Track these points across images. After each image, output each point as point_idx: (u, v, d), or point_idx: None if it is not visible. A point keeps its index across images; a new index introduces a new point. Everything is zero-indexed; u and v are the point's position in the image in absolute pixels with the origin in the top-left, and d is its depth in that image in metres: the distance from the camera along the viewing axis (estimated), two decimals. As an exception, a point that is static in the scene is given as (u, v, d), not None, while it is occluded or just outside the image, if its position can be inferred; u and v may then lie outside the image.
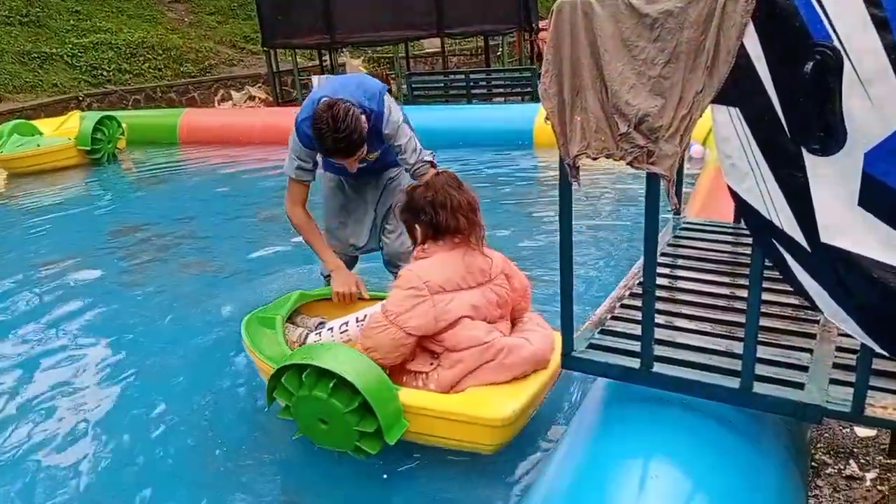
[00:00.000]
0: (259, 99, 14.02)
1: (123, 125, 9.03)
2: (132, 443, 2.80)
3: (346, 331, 2.82)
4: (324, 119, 2.79)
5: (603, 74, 1.72)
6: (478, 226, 2.54)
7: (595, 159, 1.77)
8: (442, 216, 2.49)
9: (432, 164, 3.10)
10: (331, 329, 2.88)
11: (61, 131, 9.00)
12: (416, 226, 2.58)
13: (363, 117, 2.92)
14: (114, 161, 8.89)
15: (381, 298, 2.83)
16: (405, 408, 2.36)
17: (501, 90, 10.53)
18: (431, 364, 2.48)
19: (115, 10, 17.52)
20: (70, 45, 15.24)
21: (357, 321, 2.80)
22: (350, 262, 3.55)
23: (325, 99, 2.89)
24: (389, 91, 3.19)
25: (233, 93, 14.51)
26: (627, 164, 1.73)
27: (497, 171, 7.24)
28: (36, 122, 9.33)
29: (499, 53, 13.48)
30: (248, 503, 2.42)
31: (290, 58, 14.05)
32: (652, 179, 1.75)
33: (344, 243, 3.52)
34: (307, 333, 2.98)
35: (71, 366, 3.50)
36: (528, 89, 9.94)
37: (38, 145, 8.42)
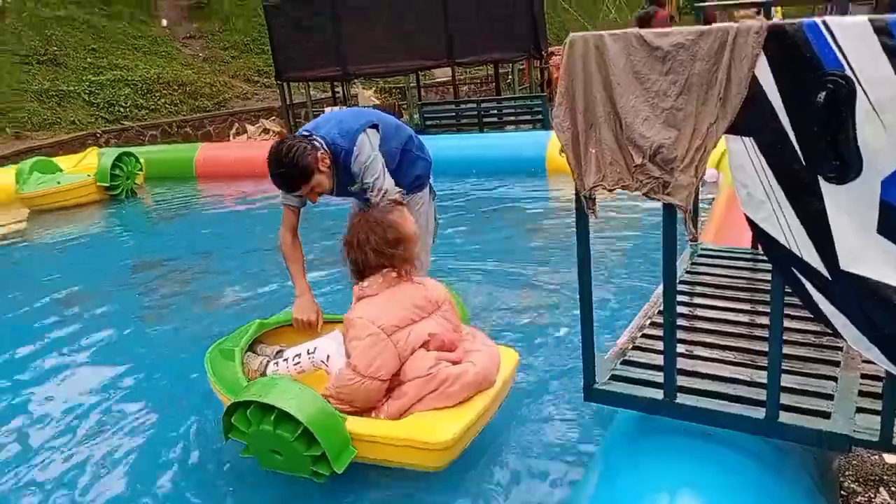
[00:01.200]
0: (273, 132, 14.16)
1: (141, 161, 9.16)
2: (138, 474, 2.80)
3: (299, 363, 2.87)
4: (271, 154, 3.09)
5: (616, 107, 1.73)
6: (406, 258, 2.64)
7: (611, 191, 1.78)
8: (371, 254, 2.62)
9: (398, 203, 3.17)
10: (286, 360, 2.92)
11: (80, 168, 9.13)
12: (351, 264, 2.69)
13: (320, 154, 3.09)
14: (132, 196, 9.00)
15: (338, 322, 2.94)
16: (354, 435, 2.43)
17: (513, 118, 10.59)
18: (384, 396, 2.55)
19: (130, 47, 17.85)
20: (87, 83, 15.52)
21: (308, 353, 2.83)
22: None
23: (283, 136, 3.07)
24: (375, 127, 3.29)
25: (247, 126, 14.67)
26: (643, 195, 1.74)
27: (510, 198, 7.26)
28: (55, 160, 9.48)
29: (509, 81, 13.58)
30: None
31: (303, 90, 14.22)
32: (669, 209, 1.75)
33: None
34: (267, 362, 3.01)
35: (87, 397, 3.53)
36: (539, 116, 9.99)
37: (59, 182, 8.56)
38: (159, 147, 11.25)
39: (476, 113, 10.55)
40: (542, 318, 3.95)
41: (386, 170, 3.25)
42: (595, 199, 1.81)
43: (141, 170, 9.12)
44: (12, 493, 2.77)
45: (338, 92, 14.34)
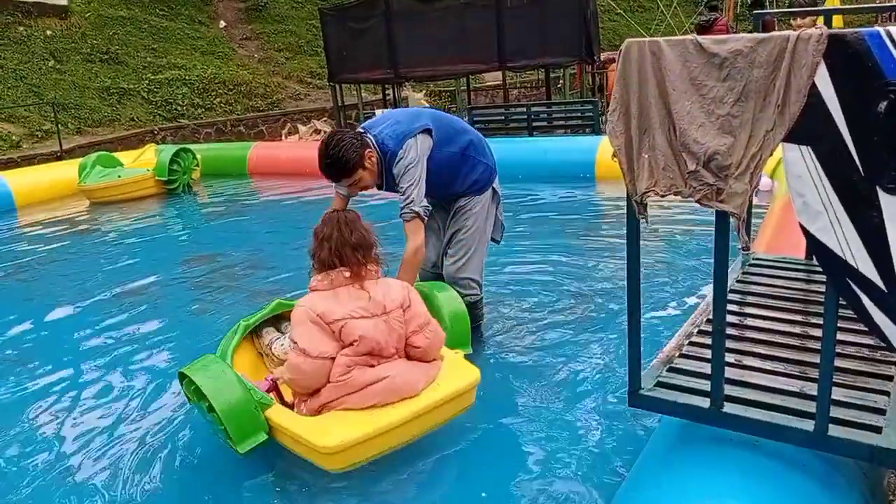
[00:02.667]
0: (324, 132, 14.37)
1: (198, 157, 9.41)
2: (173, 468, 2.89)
3: (283, 344, 3.13)
4: (322, 143, 3.20)
5: (671, 113, 1.73)
6: (365, 262, 2.69)
7: (663, 196, 1.78)
8: (326, 250, 2.70)
9: (419, 216, 3.28)
10: (287, 338, 3.07)
11: (138, 163, 9.43)
12: (312, 256, 2.79)
13: (367, 152, 3.22)
14: (188, 191, 9.25)
15: None
16: (271, 423, 2.59)
17: (563, 123, 10.56)
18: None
19: (189, 47, 18.29)
20: (147, 81, 15.97)
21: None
22: (430, 279, 3.69)
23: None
24: (428, 132, 3.34)
25: (299, 126, 14.91)
26: (696, 201, 1.74)
27: (559, 203, 7.25)
28: (116, 155, 9.80)
29: (559, 86, 13.54)
30: None
31: (354, 92, 14.41)
32: (721, 216, 1.74)
33: (426, 261, 3.64)
34: (274, 339, 3.26)
35: (138, 382, 3.67)
36: (590, 122, 9.93)
37: (119, 176, 8.86)
38: (214, 145, 11.53)
39: (525, 117, 10.54)
40: (585, 324, 3.94)
41: (423, 180, 3.30)
42: (646, 204, 1.81)
43: (197, 165, 9.38)
44: (84, 464, 2.89)
45: (388, 94, 14.48)
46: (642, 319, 1.97)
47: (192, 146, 9.99)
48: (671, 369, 2.14)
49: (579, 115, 10.26)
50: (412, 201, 3.25)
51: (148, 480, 2.77)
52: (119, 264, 6.18)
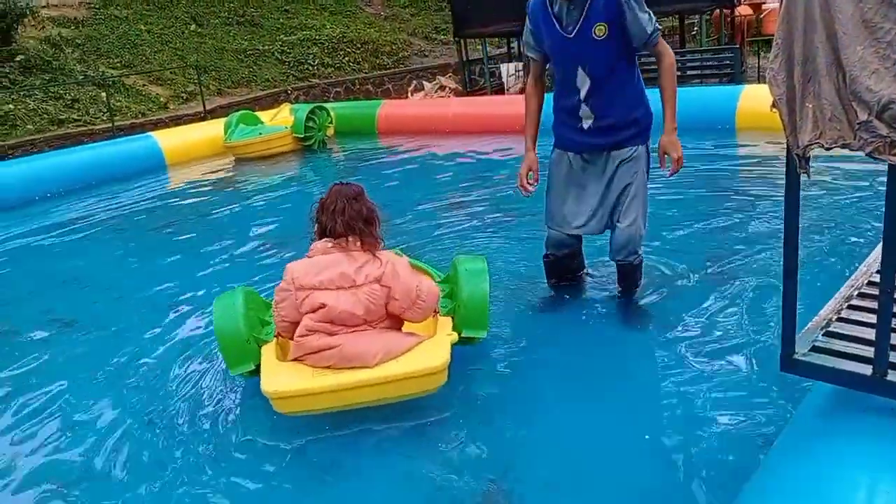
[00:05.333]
0: (449, 88, 14.40)
1: (332, 114, 9.74)
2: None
3: None
4: None
5: (840, 59, 1.60)
6: (361, 234, 2.80)
7: (828, 149, 1.66)
8: (323, 218, 2.85)
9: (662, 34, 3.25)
10: None
11: (276, 121, 9.86)
12: (318, 226, 2.91)
13: None
14: (323, 148, 9.61)
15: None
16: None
17: (697, 72, 10.04)
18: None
19: (318, 7, 18.76)
20: (280, 43, 16.57)
21: None
22: (567, 242, 3.57)
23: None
24: None
25: (424, 83, 15.02)
26: (867, 154, 1.61)
27: (697, 156, 6.94)
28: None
29: (694, 33, 12.85)
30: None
31: (479, 46, 14.30)
32: (894, 171, 1.61)
33: (560, 220, 3.50)
34: None
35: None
36: (729, 70, 9.39)
37: (261, 133, 9.34)
38: (344, 103, 11.84)
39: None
40: (729, 287, 3.77)
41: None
42: (808, 158, 1.70)
43: (331, 122, 9.72)
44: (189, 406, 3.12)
45: (513, 47, 14.28)
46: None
47: (326, 104, 10.33)
48: (828, 334, 2.02)
49: (716, 63, 9.72)
50: (654, 20, 3.18)
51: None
52: (261, 217, 6.54)
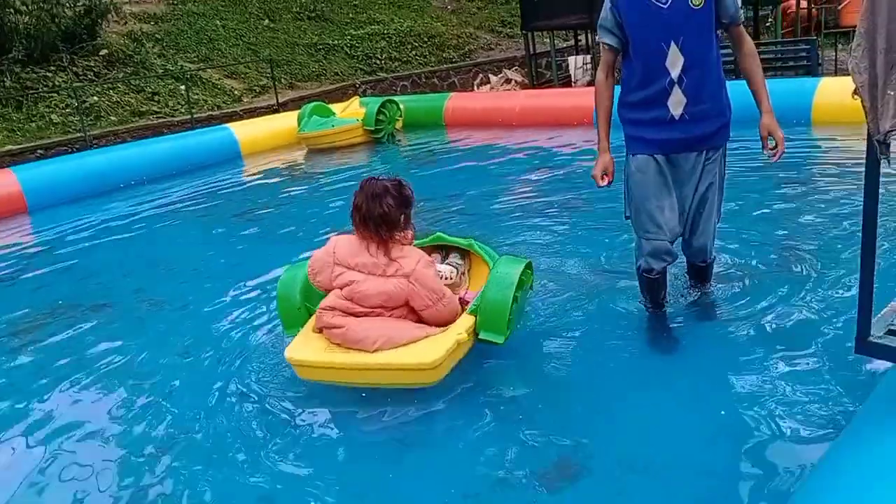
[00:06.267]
0: (515, 81, 14.45)
1: (402, 107, 9.94)
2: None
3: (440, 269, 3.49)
4: None
5: (924, 47, 1.64)
6: (371, 232, 2.99)
7: (910, 136, 1.70)
8: (352, 209, 3.06)
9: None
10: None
11: (346, 114, 10.11)
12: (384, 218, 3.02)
13: None
14: (392, 140, 9.83)
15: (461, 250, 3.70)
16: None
17: (771, 64, 9.84)
18: None
19: (387, 2, 19.00)
20: (349, 37, 16.86)
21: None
22: (673, 252, 3.30)
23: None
24: None
25: (490, 76, 15.09)
26: (948, 141, 1.65)
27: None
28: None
29: (768, 24, 12.56)
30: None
31: (546, 40, 14.29)
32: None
33: (665, 228, 3.21)
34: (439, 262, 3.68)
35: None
36: (806, 62, 9.18)
37: (333, 125, 9.63)
38: (412, 96, 12.02)
39: (732, 59, 9.93)
40: (805, 277, 3.78)
41: None
42: (889, 144, 1.74)
43: (401, 116, 9.91)
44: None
45: (580, 40, 14.23)
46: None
47: (395, 98, 10.54)
48: (904, 318, 2.04)
49: (792, 55, 9.51)
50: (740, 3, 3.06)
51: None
52: (332, 207, 6.75)
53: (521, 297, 3.24)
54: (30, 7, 12.77)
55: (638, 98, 3.15)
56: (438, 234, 3.85)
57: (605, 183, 3.23)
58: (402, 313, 3.06)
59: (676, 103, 3.06)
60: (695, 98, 3.05)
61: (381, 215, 2.96)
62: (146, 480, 2.70)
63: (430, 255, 3.79)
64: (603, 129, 3.23)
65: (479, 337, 3.08)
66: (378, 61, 16.43)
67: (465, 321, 3.08)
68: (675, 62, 3.00)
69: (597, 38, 3.35)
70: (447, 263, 3.67)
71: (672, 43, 2.98)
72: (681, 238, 3.33)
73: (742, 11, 3.10)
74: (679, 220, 3.22)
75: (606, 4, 3.13)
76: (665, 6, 2.96)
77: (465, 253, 3.78)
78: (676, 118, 3.07)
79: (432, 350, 2.89)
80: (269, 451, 2.80)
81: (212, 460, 2.78)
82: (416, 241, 3.85)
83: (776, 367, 2.96)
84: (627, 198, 3.32)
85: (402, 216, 3.03)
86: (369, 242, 3.03)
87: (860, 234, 1.85)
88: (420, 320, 3.08)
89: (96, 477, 2.75)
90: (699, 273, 3.62)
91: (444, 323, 3.07)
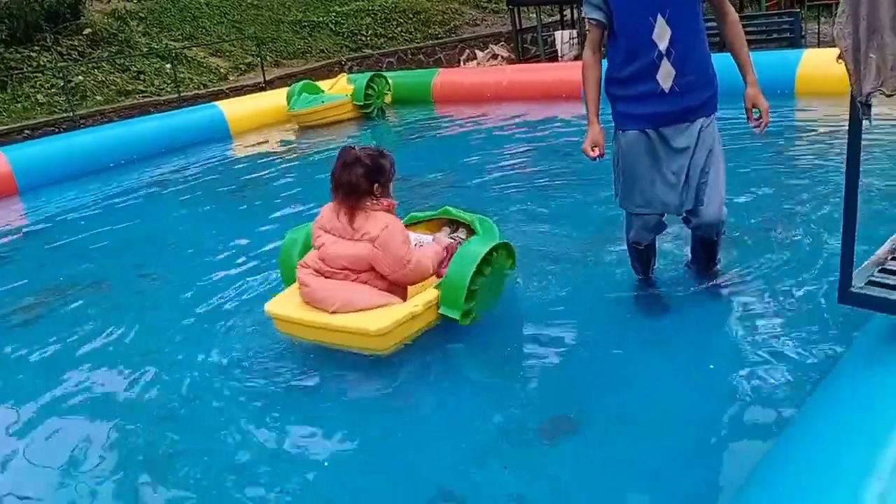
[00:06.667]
0: (501, 57, 14.46)
1: (390, 82, 9.99)
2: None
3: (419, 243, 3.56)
4: None
5: (902, 12, 1.75)
6: (341, 199, 3.18)
7: (889, 96, 1.81)
8: (331, 183, 3.24)
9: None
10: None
11: (335, 90, 10.13)
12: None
13: None
14: (381, 115, 9.87)
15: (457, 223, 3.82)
16: None
17: (755, 37, 9.93)
18: None
19: (372, -23, 18.86)
20: (334, 14, 16.77)
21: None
22: (661, 225, 3.36)
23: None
24: None
25: (476, 52, 15.09)
26: (925, 100, 1.76)
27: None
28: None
29: (752, -3, 12.64)
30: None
31: (532, 15, 14.29)
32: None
33: (654, 201, 3.22)
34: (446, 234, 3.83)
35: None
36: (789, 35, 9.29)
37: (323, 101, 9.66)
38: (400, 73, 12.03)
39: (716, 33, 10.02)
40: (789, 234, 3.98)
41: None
42: (870, 105, 1.85)
43: (389, 90, 9.95)
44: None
45: (566, 15, 14.25)
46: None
47: (383, 73, 10.55)
48: (883, 270, 2.17)
49: (776, 28, 9.61)
50: None
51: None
52: (323, 181, 6.76)
53: (494, 280, 3.31)
54: (12, -14, 12.65)
55: (626, 73, 3.14)
56: (445, 207, 3.94)
57: (596, 154, 3.21)
58: (367, 278, 3.19)
59: (665, 76, 3.05)
60: (683, 69, 3.06)
61: (348, 183, 3.13)
62: (153, 450, 2.78)
63: (439, 228, 3.90)
64: (592, 104, 3.22)
65: (440, 312, 3.18)
66: (363, 38, 16.39)
67: (428, 294, 3.18)
68: (662, 35, 3.00)
69: (583, 14, 3.27)
70: (451, 237, 3.74)
71: (659, 15, 2.98)
72: (685, 212, 3.28)
73: None
74: (676, 194, 3.19)
75: None
76: None
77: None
78: (666, 91, 3.07)
79: (380, 319, 3.02)
80: (274, 414, 2.91)
81: (218, 425, 2.88)
82: (425, 214, 3.98)
83: (763, 322, 3.11)
84: (616, 175, 3.33)
85: (376, 184, 3.16)
86: (340, 208, 3.20)
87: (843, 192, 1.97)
88: (391, 286, 3.21)
89: (103, 447, 2.83)
90: (706, 248, 3.51)
91: (414, 281, 3.25)
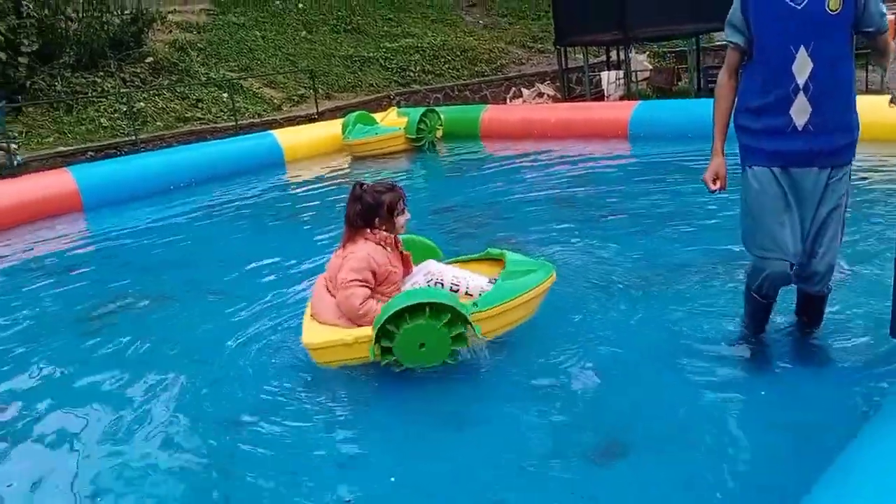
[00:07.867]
0: (547, 95, 14.70)
1: (442, 117, 10.27)
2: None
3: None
4: None
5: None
6: (348, 229, 3.54)
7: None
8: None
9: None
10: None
11: (384, 123, 10.45)
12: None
13: None
14: (432, 149, 10.15)
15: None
16: None
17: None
18: None
19: (420, 16, 19.38)
20: (384, 50, 17.23)
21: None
22: (789, 276, 2.99)
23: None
24: None
25: (523, 90, 15.35)
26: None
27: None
28: (367, 116, 10.93)
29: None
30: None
31: (578, 55, 14.53)
32: None
33: (784, 248, 2.92)
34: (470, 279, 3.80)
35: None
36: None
37: (377, 133, 9.98)
38: (449, 107, 12.32)
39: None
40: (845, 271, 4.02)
41: None
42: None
43: (441, 125, 10.24)
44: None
45: (612, 56, 14.46)
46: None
47: (436, 108, 10.86)
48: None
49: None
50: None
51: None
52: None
53: (427, 335, 3.18)
54: (80, 14, 13.30)
55: (758, 104, 2.94)
56: (489, 250, 4.06)
57: (717, 187, 3.04)
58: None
59: (800, 112, 2.83)
60: (819, 109, 2.82)
61: (347, 216, 3.57)
62: (220, 452, 2.95)
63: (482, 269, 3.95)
64: (719, 132, 3.05)
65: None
66: (412, 73, 16.78)
67: (367, 329, 3.27)
68: (802, 67, 2.80)
69: (724, 35, 3.07)
70: (490, 281, 3.67)
71: (801, 47, 2.79)
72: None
73: (884, 14, 2.84)
74: (795, 241, 2.93)
75: (736, 2, 2.98)
76: (799, 7, 2.78)
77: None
78: (799, 128, 2.85)
79: (315, 334, 3.37)
80: (334, 426, 3.07)
81: (283, 433, 3.04)
82: (470, 256, 4.10)
83: (815, 354, 3.20)
84: (743, 216, 3.09)
85: (375, 218, 3.51)
86: (346, 234, 3.60)
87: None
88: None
89: (174, 449, 3.00)
90: (813, 306, 3.27)
91: (340, 311, 3.43)
